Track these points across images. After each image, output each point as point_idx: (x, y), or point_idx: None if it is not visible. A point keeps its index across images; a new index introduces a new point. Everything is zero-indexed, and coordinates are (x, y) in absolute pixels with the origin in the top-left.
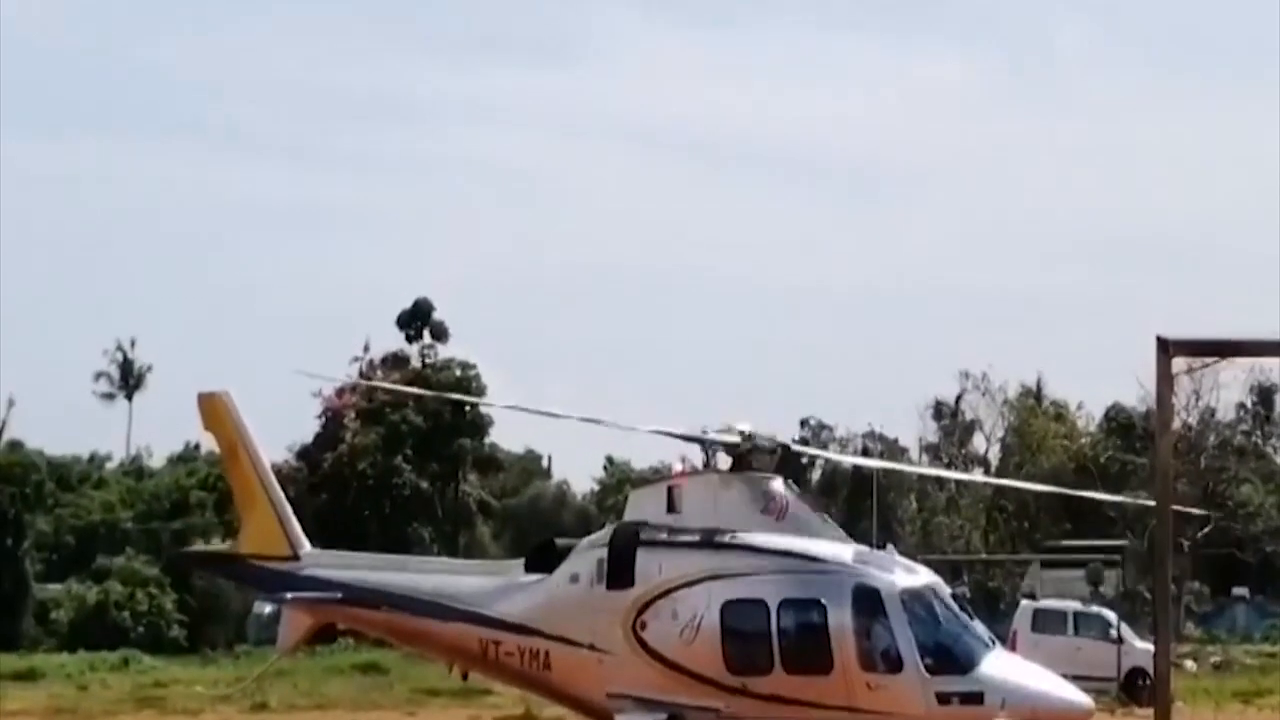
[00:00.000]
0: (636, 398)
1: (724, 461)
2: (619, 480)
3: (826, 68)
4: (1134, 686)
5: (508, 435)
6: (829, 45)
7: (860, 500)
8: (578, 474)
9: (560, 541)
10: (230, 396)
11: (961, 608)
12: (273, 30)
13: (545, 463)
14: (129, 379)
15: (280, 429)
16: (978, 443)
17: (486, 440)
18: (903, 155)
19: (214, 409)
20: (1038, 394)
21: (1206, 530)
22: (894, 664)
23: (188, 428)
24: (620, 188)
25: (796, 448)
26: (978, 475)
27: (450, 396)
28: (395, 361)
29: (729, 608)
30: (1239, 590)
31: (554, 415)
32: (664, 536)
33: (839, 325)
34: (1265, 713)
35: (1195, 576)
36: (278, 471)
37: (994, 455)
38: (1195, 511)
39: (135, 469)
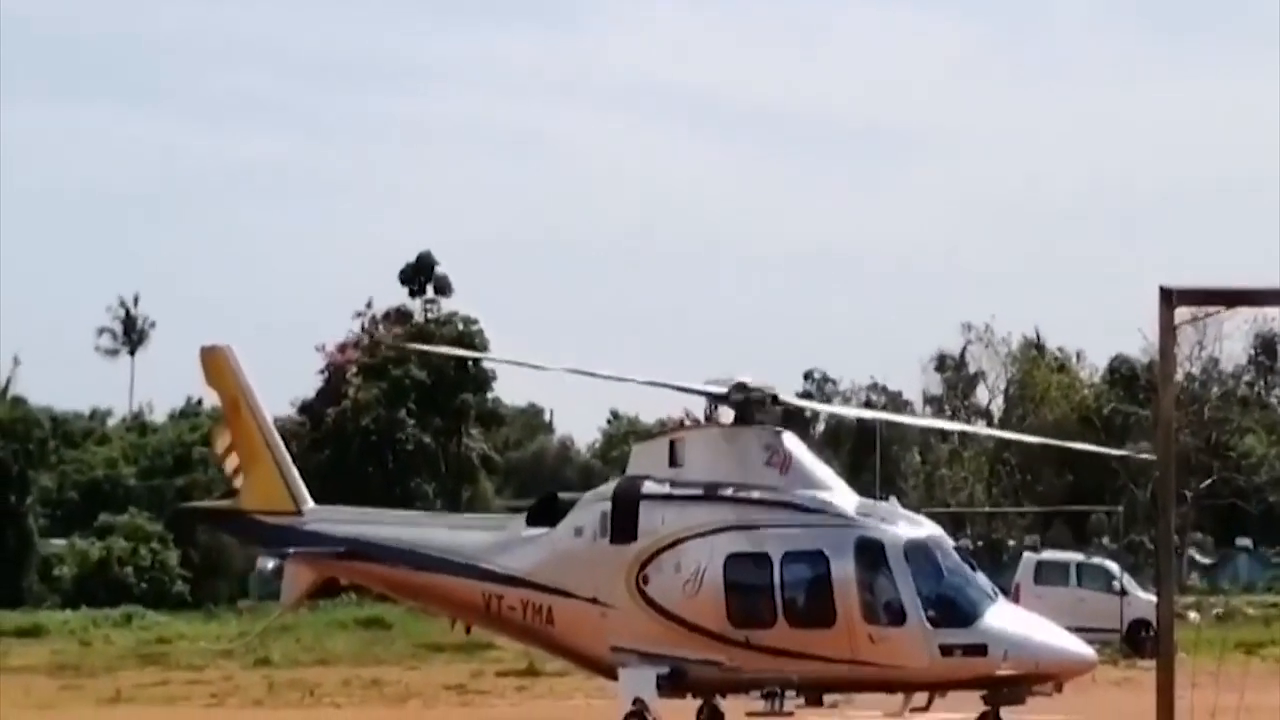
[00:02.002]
0: (640, 352)
1: (728, 414)
2: (622, 434)
3: (831, 31)
4: (1137, 638)
5: (510, 390)
6: (834, 9)
7: (863, 453)
8: (581, 428)
9: (563, 495)
10: (233, 351)
11: (964, 560)
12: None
13: (548, 417)
14: (132, 334)
15: (283, 384)
16: (981, 395)
17: (489, 395)
18: (907, 115)
19: (216, 363)
20: (1040, 346)
21: (1210, 481)
22: (897, 616)
23: (190, 383)
24: (623, 148)
25: (785, 397)
26: (980, 427)
27: (456, 352)
28: (398, 316)
29: (732, 561)
30: (1242, 541)
31: (555, 369)
32: (667, 490)
33: (843, 280)
34: (1268, 663)
35: (1198, 528)
36: (280, 427)
37: (997, 407)
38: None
39: (138, 425)
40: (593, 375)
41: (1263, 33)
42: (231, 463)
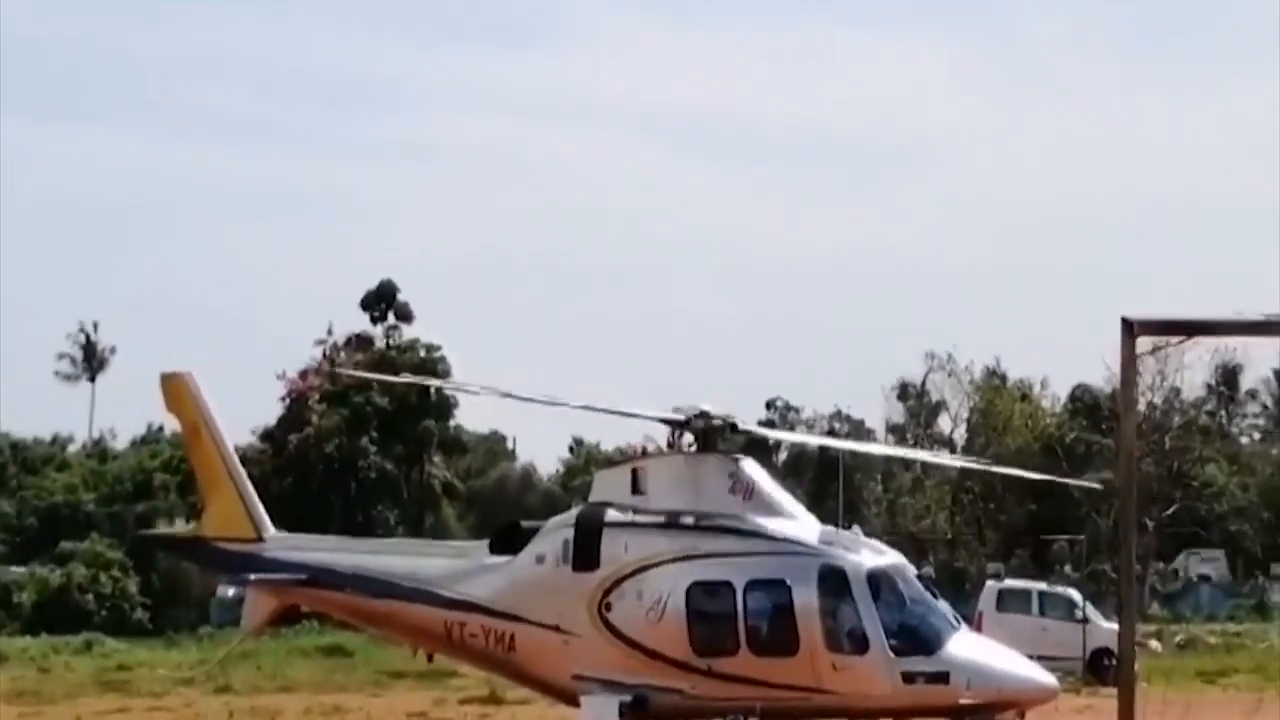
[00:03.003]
0: (602, 380)
1: (690, 443)
2: (585, 462)
3: (799, 49)
4: (1099, 666)
5: (473, 417)
6: (802, 27)
7: (826, 481)
8: (543, 456)
9: (525, 523)
10: (193, 377)
11: (927, 588)
12: (235, 12)
13: (510, 444)
14: (92, 361)
15: (244, 411)
16: (943, 423)
17: (451, 422)
18: (869, 139)
19: (177, 390)
20: (1002, 375)
21: (1171, 510)
22: (860, 644)
23: (151, 410)
24: (587, 170)
25: (746, 425)
26: (944, 456)
27: (422, 380)
28: (360, 343)
29: (695, 589)
30: (1204, 569)
31: (517, 398)
32: (629, 518)
33: (806, 307)
34: (1229, 692)
35: (1160, 556)
36: (241, 454)
37: (960, 436)
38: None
39: (98, 451)
40: (554, 404)
41: (1239, 57)
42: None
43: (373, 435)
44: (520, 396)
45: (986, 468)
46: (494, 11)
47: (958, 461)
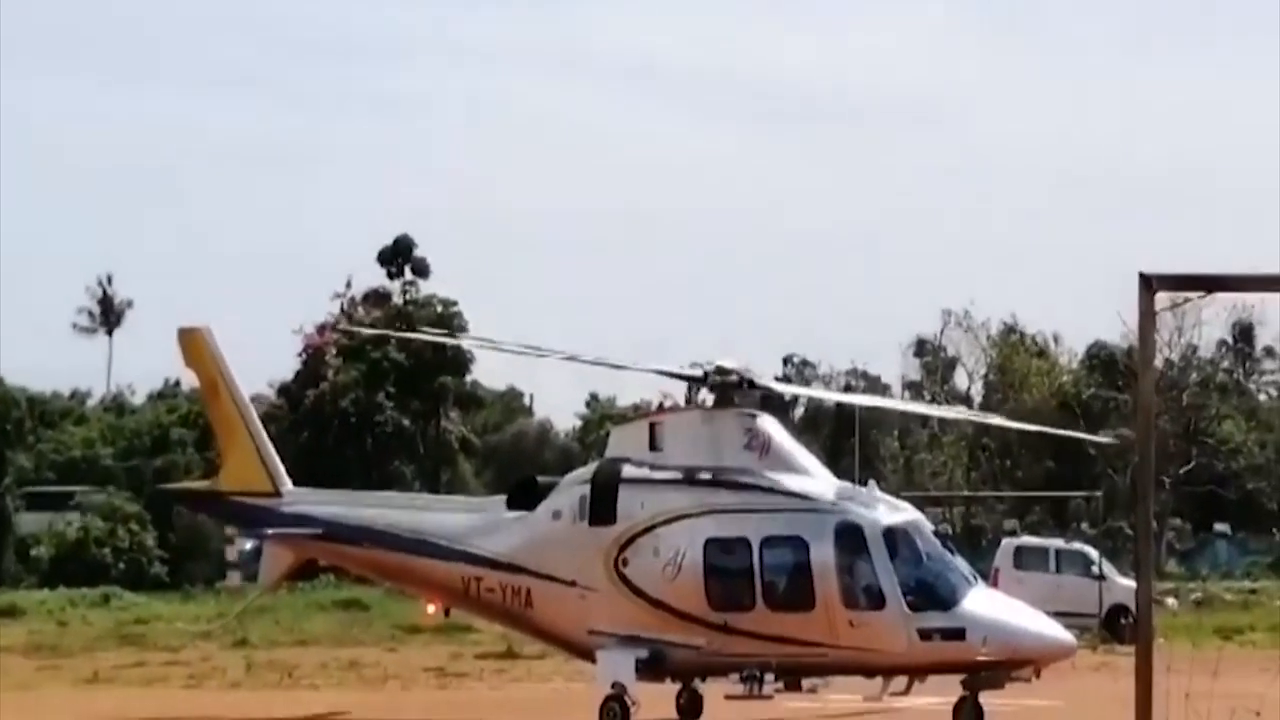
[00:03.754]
0: (619, 335)
1: (708, 398)
2: (601, 417)
3: (808, 8)
4: (1116, 623)
5: (489, 372)
6: None
7: (843, 438)
8: (560, 411)
9: (542, 479)
10: (210, 332)
11: (944, 545)
12: None
13: (527, 400)
14: (109, 315)
15: (261, 366)
16: (960, 380)
17: (468, 377)
18: (887, 95)
19: (194, 344)
20: (1019, 331)
21: (1188, 467)
22: (876, 601)
23: (169, 364)
24: (604, 126)
25: (764, 381)
26: (960, 410)
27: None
28: (377, 298)
29: (711, 544)
30: (1220, 527)
31: (532, 353)
32: (646, 473)
33: (822, 264)
34: (1245, 649)
35: (1177, 513)
36: (258, 409)
37: (976, 392)
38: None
39: (116, 405)
40: (572, 359)
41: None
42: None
43: (389, 390)
44: (536, 350)
45: (1004, 424)
46: None
47: (975, 417)
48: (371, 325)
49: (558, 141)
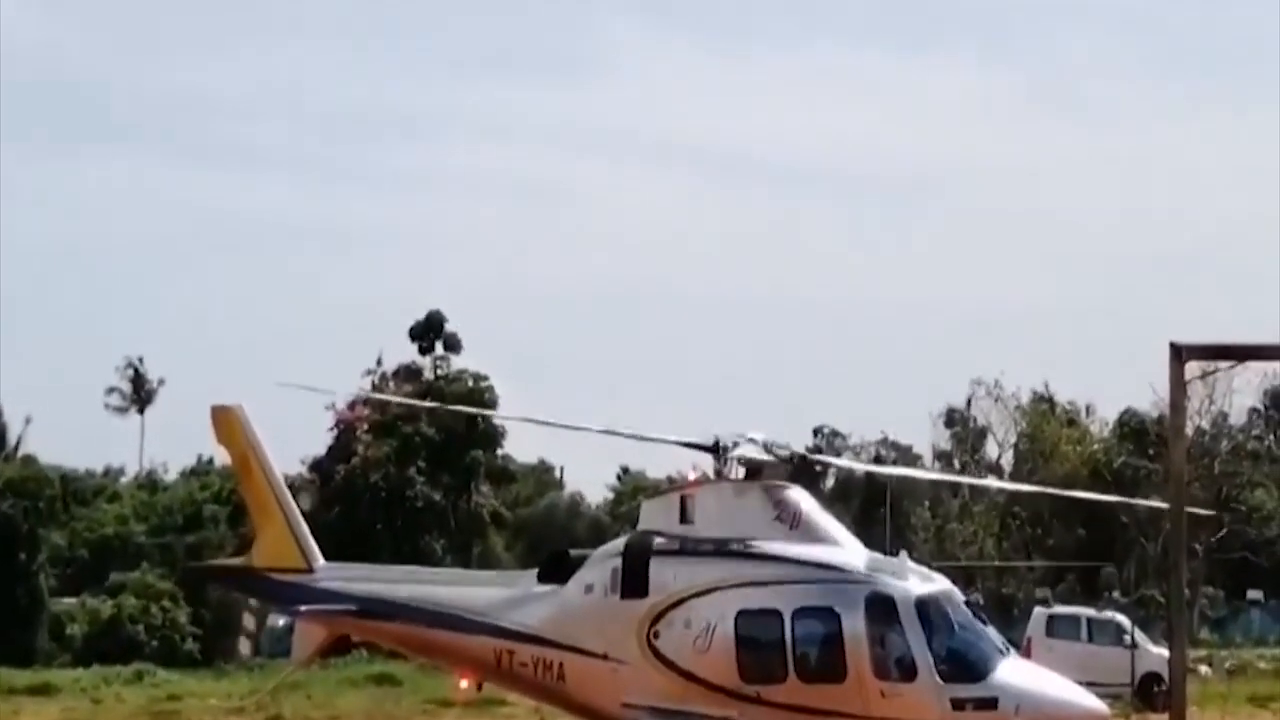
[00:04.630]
0: (649, 409)
1: (738, 471)
2: (632, 490)
3: (837, 81)
4: (1148, 692)
5: (520, 446)
6: (841, 59)
7: (873, 508)
8: (591, 484)
9: (574, 552)
10: (243, 410)
11: (975, 614)
12: (283, 45)
13: (558, 474)
14: (141, 393)
15: (293, 442)
16: (990, 449)
17: (499, 451)
18: (916, 165)
19: (227, 422)
20: (1049, 399)
21: (1220, 534)
22: (908, 672)
23: (201, 441)
24: (633, 201)
25: (811, 455)
26: (992, 480)
27: (465, 409)
28: (408, 374)
29: (743, 617)
30: (1253, 594)
31: (563, 426)
32: (678, 546)
33: (852, 335)
34: (1278, 717)
35: (1209, 581)
36: (290, 484)
37: (1007, 461)
38: (1206, 513)
39: (149, 482)
40: (606, 432)
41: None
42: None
43: (420, 465)
44: (564, 425)
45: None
46: (535, 49)
47: (1009, 485)
48: (400, 398)
49: (587, 217)
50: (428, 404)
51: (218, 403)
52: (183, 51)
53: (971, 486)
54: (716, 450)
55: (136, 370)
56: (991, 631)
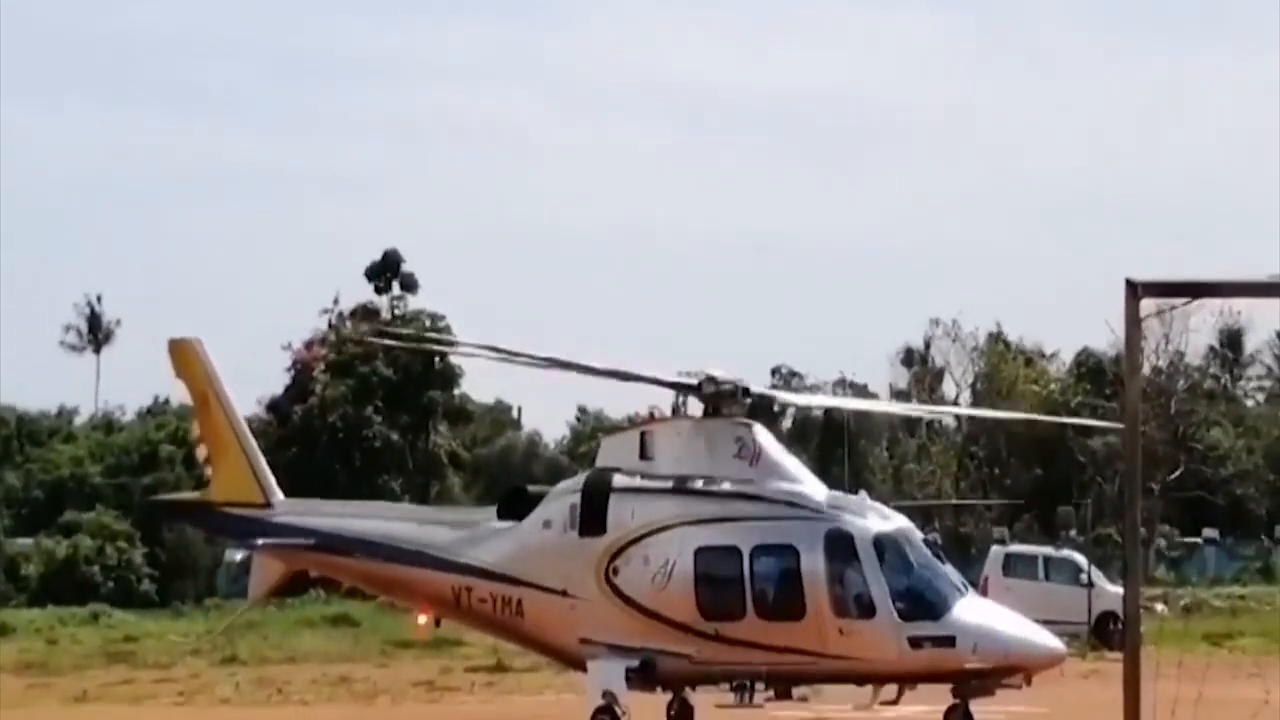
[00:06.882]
0: (606, 349)
1: (696, 407)
2: (591, 430)
3: (798, 26)
4: (1105, 630)
5: (478, 386)
6: (802, 4)
7: (832, 447)
8: (549, 424)
9: (532, 488)
10: (201, 343)
11: (934, 553)
12: None
13: (516, 413)
14: (97, 333)
15: (250, 382)
16: (948, 389)
17: (456, 391)
18: (876, 110)
19: (185, 355)
20: (1005, 339)
21: (1176, 473)
22: (866, 609)
23: (157, 382)
24: (590, 142)
25: (759, 389)
26: (948, 410)
27: (426, 341)
28: (365, 313)
29: (701, 553)
30: (1209, 533)
31: (524, 360)
32: (636, 483)
33: (810, 275)
34: (1234, 655)
35: (1165, 520)
36: (248, 425)
37: (965, 401)
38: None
39: (104, 423)
40: (563, 366)
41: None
42: (203, 454)
43: (378, 405)
44: (525, 358)
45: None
46: None
47: (968, 412)
48: (360, 341)
49: (544, 157)
50: (409, 345)
51: (176, 336)
52: None
53: (929, 426)
54: (700, 390)
55: (93, 309)
56: (950, 570)
